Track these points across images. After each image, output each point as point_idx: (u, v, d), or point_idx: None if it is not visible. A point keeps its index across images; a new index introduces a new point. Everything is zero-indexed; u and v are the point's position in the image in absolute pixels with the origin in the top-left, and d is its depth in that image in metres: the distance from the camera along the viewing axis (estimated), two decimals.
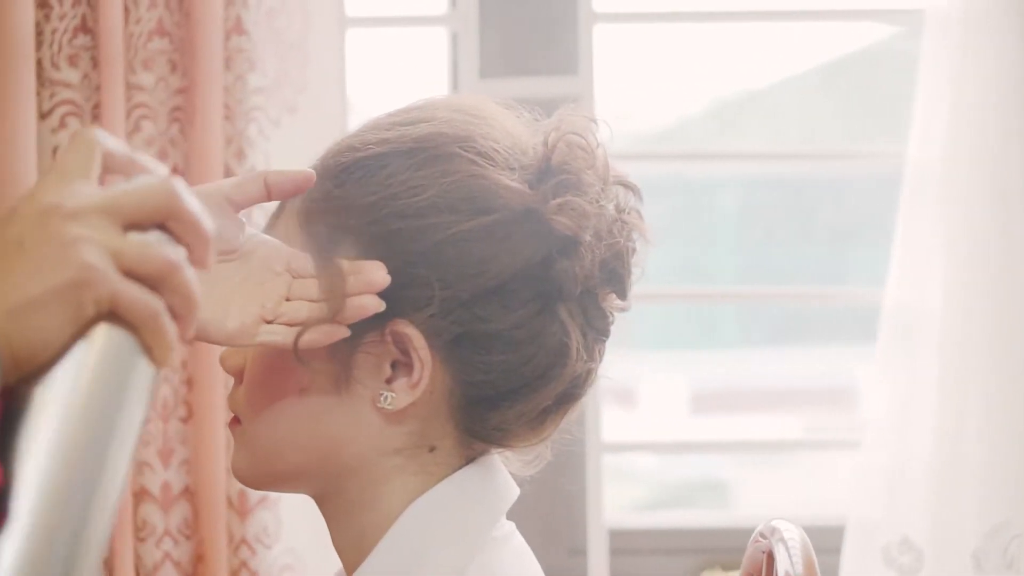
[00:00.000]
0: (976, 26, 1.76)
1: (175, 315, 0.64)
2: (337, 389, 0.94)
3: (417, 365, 0.93)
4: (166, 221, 0.64)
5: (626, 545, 2.01)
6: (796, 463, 2.22)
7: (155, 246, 0.63)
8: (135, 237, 0.63)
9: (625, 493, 2.32)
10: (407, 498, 0.96)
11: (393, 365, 0.93)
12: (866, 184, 2.11)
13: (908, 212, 1.80)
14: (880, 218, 1.92)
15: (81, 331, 0.61)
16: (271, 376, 0.96)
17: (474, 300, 0.93)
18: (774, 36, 2.13)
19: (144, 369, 0.62)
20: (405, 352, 0.93)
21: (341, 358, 0.94)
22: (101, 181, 0.66)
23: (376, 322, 0.93)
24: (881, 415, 1.79)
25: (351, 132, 1.00)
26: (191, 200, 0.65)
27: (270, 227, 0.99)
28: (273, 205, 0.99)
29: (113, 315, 0.62)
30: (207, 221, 0.65)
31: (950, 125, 1.77)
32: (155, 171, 0.68)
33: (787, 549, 1.05)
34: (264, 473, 0.99)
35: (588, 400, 1.84)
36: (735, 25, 2.08)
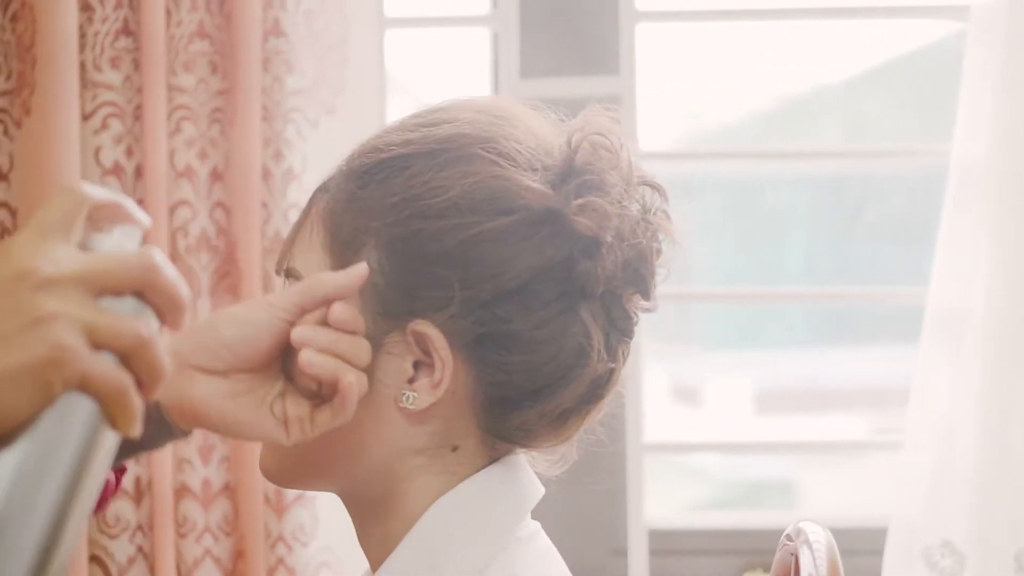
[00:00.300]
0: (1021, 22, 1.74)
1: (141, 386, 0.64)
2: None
3: (438, 365, 0.93)
4: (142, 290, 0.64)
5: (669, 546, 2.00)
6: (863, 463, 2.21)
7: (127, 320, 0.63)
8: (109, 305, 0.63)
9: (690, 493, 2.32)
10: (430, 497, 0.96)
11: (415, 365, 0.94)
12: (921, 182, 2.09)
13: (952, 210, 1.78)
14: (931, 216, 1.90)
15: (46, 403, 0.61)
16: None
17: (495, 300, 0.93)
18: (819, 34, 2.12)
19: (107, 436, 0.62)
20: (426, 352, 0.93)
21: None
22: (90, 228, 0.66)
23: (397, 323, 0.94)
24: (923, 416, 1.77)
25: (376, 133, 1.01)
26: (168, 270, 0.65)
27: (295, 232, 0.99)
28: (294, 208, 0.99)
29: (81, 386, 0.62)
30: (183, 290, 0.65)
31: (994, 122, 1.75)
32: (140, 222, 0.68)
33: (811, 551, 1.04)
34: (290, 472, 1.00)
35: (629, 400, 1.85)
36: (779, 23, 2.07)
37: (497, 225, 0.93)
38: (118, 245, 0.66)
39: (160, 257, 0.65)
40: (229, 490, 1.67)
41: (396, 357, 0.94)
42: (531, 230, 0.94)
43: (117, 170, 1.65)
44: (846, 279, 2.10)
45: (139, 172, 1.66)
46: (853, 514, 2.01)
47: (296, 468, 0.99)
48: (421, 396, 0.94)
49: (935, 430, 1.76)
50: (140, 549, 1.65)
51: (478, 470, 0.97)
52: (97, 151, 1.65)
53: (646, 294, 0.98)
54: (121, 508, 1.65)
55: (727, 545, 2.01)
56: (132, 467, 1.65)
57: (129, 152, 1.66)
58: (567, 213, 0.94)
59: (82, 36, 1.64)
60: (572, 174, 0.96)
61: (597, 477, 1.93)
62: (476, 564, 0.96)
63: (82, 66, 1.64)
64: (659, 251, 0.99)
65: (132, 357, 0.63)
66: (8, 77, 1.64)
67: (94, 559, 1.65)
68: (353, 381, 0.89)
